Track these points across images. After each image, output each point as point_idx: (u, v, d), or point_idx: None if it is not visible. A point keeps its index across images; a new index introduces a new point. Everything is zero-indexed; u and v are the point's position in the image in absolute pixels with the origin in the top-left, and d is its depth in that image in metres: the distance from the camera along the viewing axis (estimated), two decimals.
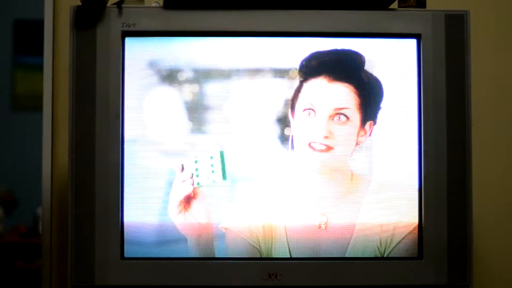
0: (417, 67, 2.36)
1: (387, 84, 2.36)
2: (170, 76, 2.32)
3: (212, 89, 2.33)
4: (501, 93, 2.99)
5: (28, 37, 2.94)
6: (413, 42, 2.36)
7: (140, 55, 2.32)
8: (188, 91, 2.33)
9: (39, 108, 2.87)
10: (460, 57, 2.36)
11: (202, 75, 2.33)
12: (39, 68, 2.89)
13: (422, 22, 2.36)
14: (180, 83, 2.33)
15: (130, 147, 2.31)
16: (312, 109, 2.33)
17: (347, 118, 2.34)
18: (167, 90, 2.33)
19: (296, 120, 2.33)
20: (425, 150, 2.34)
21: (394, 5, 2.43)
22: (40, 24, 2.87)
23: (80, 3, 2.30)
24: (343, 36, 2.35)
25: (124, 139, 2.31)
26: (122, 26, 2.30)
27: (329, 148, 2.33)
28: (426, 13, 2.37)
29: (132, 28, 2.31)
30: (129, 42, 2.32)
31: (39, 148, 2.84)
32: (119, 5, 2.32)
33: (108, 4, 2.32)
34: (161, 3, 2.40)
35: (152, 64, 2.33)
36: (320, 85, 2.33)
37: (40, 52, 2.87)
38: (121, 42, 2.30)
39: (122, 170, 2.29)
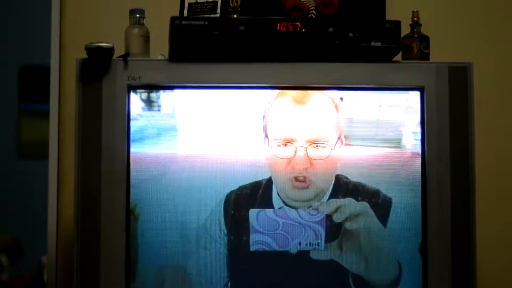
0: (420, 118, 2.37)
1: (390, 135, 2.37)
2: (174, 127, 2.34)
3: (212, 137, 2.35)
4: (506, 145, 3.01)
5: (34, 83, 2.95)
6: (416, 94, 2.37)
7: (145, 107, 2.33)
8: (190, 140, 2.34)
9: (45, 155, 2.88)
10: (464, 108, 2.37)
11: (204, 124, 2.34)
12: (45, 115, 2.90)
13: (426, 74, 2.37)
14: (183, 132, 2.34)
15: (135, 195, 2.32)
16: None
17: None
18: (172, 142, 2.34)
19: None
20: (429, 202, 2.34)
21: (398, 56, 2.44)
22: (46, 70, 2.89)
23: (86, 55, 2.31)
24: (347, 89, 2.37)
25: (130, 193, 2.31)
26: (128, 79, 2.32)
27: None
28: (429, 65, 2.39)
29: (137, 82, 2.32)
30: (135, 94, 2.33)
31: (45, 196, 2.84)
32: (124, 58, 2.33)
33: (114, 57, 2.33)
34: (167, 56, 2.43)
35: (156, 115, 2.34)
36: None
37: (46, 98, 2.89)
38: (126, 95, 2.32)
39: (127, 223, 2.30)
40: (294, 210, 2.33)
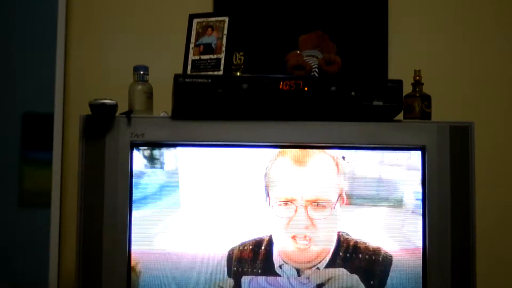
0: (421, 177, 2.38)
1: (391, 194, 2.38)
2: (177, 184, 2.34)
3: (215, 195, 2.35)
4: (506, 211, 3.02)
5: (37, 131, 2.96)
6: (418, 154, 2.38)
7: (148, 163, 2.34)
8: (193, 198, 2.34)
9: (47, 204, 2.88)
10: (465, 168, 2.37)
11: (207, 182, 2.35)
12: (48, 163, 2.91)
13: (427, 133, 2.38)
14: (185, 190, 2.35)
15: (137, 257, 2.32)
16: None
17: None
18: (174, 199, 2.35)
19: None
20: (430, 263, 2.34)
21: (400, 115, 2.45)
22: (49, 118, 2.90)
23: (89, 108, 2.33)
24: (349, 148, 2.38)
25: (132, 250, 2.32)
26: (131, 136, 2.33)
27: None
28: (431, 124, 2.40)
29: (140, 139, 2.33)
30: (137, 150, 2.34)
31: (47, 245, 2.85)
32: (128, 115, 2.34)
33: (117, 113, 2.35)
34: (169, 113, 2.44)
35: (158, 172, 2.35)
36: None
37: (48, 147, 2.90)
38: (129, 151, 2.33)
39: (128, 280, 2.30)
40: (285, 278, 2.33)
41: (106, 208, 2.31)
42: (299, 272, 2.34)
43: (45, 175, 2.91)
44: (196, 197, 2.35)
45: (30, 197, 2.96)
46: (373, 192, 2.37)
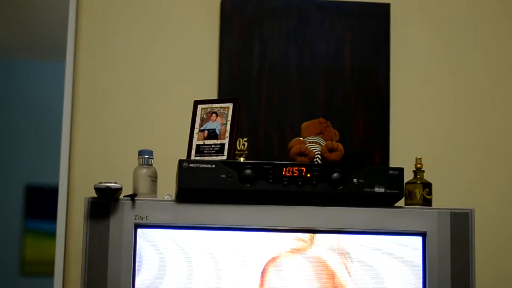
0: (422, 263, 2.40)
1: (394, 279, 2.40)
2: (181, 267, 2.36)
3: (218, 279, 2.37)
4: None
5: (40, 202, 2.98)
6: (419, 239, 2.40)
7: (152, 246, 2.37)
8: (196, 281, 2.36)
9: (48, 274, 2.89)
10: (465, 254, 2.40)
11: (210, 266, 2.37)
12: (50, 234, 2.92)
13: (428, 219, 2.41)
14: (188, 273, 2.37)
15: None
16: None
17: None
18: (177, 280, 2.36)
19: None
20: None
21: (401, 201, 2.48)
22: (52, 190, 2.92)
23: (93, 190, 2.36)
24: (350, 232, 2.40)
25: None
26: (135, 219, 2.36)
27: None
28: (431, 211, 2.43)
29: (144, 221, 2.36)
30: (141, 232, 2.37)
31: None
32: (132, 198, 2.38)
33: (122, 195, 2.38)
34: (173, 196, 2.47)
35: (162, 255, 2.37)
36: None
37: (51, 217, 2.92)
38: (133, 234, 2.35)
39: None
40: None
41: (109, 286, 2.32)
42: None
43: (47, 245, 2.93)
44: (200, 280, 2.37)
45: (32, 267, 2.98)
46: (375, 277, 2.39)
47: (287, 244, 2.39)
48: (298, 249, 2.38)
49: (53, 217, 2.93)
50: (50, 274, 2.90)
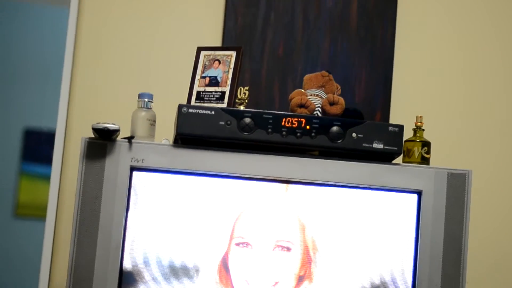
0: (415, 221, 2.39)
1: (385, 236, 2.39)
2: (173, 213, 2.36)
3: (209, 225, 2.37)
4: (498, 252, 3.02)
5: (38, 146, 2.98)
6: (414, 197, 2.40)
7: (146, 189, 2.36)
8: (187, 226, 2.36)
9: (41, 217, 2.90)
10: (460, 215, 2.39)
11: (203, 211, 2.37)
12: (46, 177, 2.92)
13: (425, 178, 2.40)
14: (180, 218, 2.36)
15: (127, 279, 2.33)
16: None
17: None
18: (169, 226, 2.36)
19: None
20: None
21: (399, 159, 2.47)
22: (51, 134, 2.92)
23: (91, 132, 2.35)
24: (346, 186, 2.39)
25: (123, 271, 2.33)
26: (131, 161, 2.35)
27: None
28: (429, 170, 2.42)
29: (140, 164, 2.35)
30: (136, 175, 2.36)
31: (39, 258, 2.86)
32: (129, 139, 2.36)
33: (119, 137, 2.37)
34: (171, 141, 2.46)
35: (156, 198, 2.36)
36: None
37: (48, 161, 2.91)
38: (128, 176, 2.34)
39: None
40: None
41: (101, 230, 2.32)
42: None
43: (42, 189, 2.93)
44: (190, 225, 2.36)
45: (25, 210, 2.98)
46: (366, 234, 2.39)
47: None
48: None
49: (50, 161, 2.92)
50: (43, 217, 2.90)
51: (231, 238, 2.35)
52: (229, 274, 2.35)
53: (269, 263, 2.35)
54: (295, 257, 2.35)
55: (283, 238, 2.35)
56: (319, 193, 2.39)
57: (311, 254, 2.36)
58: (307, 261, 2.35)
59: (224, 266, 2.35)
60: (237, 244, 2.36)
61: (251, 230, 2.35)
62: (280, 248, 2.35)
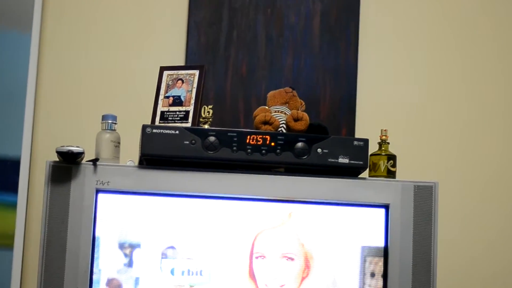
0: (384, 235, 2.39)
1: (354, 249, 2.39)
2: (140, 233, 2.35)
3: (183, 246, 2.36)
4: (467, 261, 3.04)
5: (3, 174, 2.95)
6: (381, 211, 2.40)
7: (112, 212, 2.34)
8: (154, 248, 2.34)
9: (9, 246, 2.87)
10: (428, 227, 2.39)
11: (172, 234, 2.35)
12: (12, 206, 2.90)
13: (392, 192, 2.40)
14: (147, 239, 2.35)
15: None
16: None
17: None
18: (137, 246, 2.35)
19: None
20: None
21: (365, 173, 2.48)
22: (16, 162, 2.90)
23: (56, 156, 2.33)
24: (312, 202, 2.39)
25: None
26: (96, 184, 2.33)
27: None
28: (395, 183, 2.42)
29: (106, 186, 2.33)
30: (102, 198, 2.34)
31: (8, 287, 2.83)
32: (94, 162, 2.35)
33: (84, 160, 2.35)
34: (136, 162, 2.45)
35: (122, 220, 2.35)
36: None
37: (14, 190, 2.89)
38: (94, 198, 2.33)
39: None
40: None
41: (69, 254, 2.30)
42: None
43: (8, 217, 2.90)
44: (157, 247, 2.35)
45: None
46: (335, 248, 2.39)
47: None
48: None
49: (15, 189, 2.90)
50: (11, 246, 2.87)
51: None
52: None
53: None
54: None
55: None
56: (286, 210, 2.38)
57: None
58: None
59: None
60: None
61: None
62: (261, 257, 2.37)
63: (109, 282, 2.33)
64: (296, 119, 2.46)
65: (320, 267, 2.38)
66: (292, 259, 2.37)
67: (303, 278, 2.37)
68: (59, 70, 2.98)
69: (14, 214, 2.89)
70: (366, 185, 2.41)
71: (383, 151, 2.53)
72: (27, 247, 2.88)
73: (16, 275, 2.86)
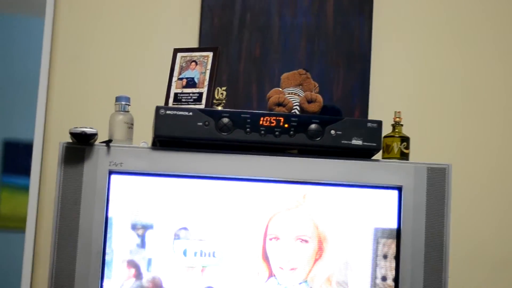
0: (397, 217, 2.39)
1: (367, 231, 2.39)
2: (153, 215, 2.35)
3: (195, 227, 2.36)
4: (479, 245, 3.03)
5: (17, 157, 2.96)
6: (394, 193, 2.39)
7: (125, 193, 2.34)
8: (168, 228, 2.35)
9: (22, 229, 2.88)
10: (440, 209, 2.39)
11: (185, 216, 2.35)
12: (25, 189, 2.91)
13: (405, 174, 2.40)
14: (161, 221, 2.35)
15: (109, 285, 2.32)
16: None
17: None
18: (149, 228, 2.35)
19: None
20: None
21: (378, 155, 2.47)
22: (29, 145, 2.91)
23: (69, 137, 2.33)
24: (325, 184, 2.39)
25: (104, 276, 2.31)
26: (110, 165, 2.34)
27: None
28: (408, 165, 2.41)
29: (119, 168, 2.34)
30: (115, 179, 2.34)
31: (20, 269, 2.84)
32: (107, 144, 2.35)
33: (97, 141, 2.35)
34: (150, 143, 2.45)
35: (136, 202, 2.35)
36: None
37: (27, 173, 2.90)
38: (107, 180, 2.33)
39: None
40: None
41: (81, 235, 2.30)
42: None
43: (22, 200, 2.91)
44: (171, 227, 2.35)
45: (6, 222, 2.96)
46: (349, 231, 2.38)
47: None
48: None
49: (29, 172, 2.91)
50: (23, 229, 2.88)
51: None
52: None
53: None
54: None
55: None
56: (300, 191, 2.38)
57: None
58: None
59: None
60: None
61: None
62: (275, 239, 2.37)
63: (122, 262, 2.33)
64: (310, 101, 2.45)
65: (333, 249, 2.37)
66: (306, 241, 2.37)
67: (316, 260, 2.37)
68: (72, 52, 2.98)
69: (27, 197, 2.90)
70: (379, 167, 2.40)
71: (396, 133, 2.52)
72: (39, 230, 2.89)
73: (28, 258, 2.87)
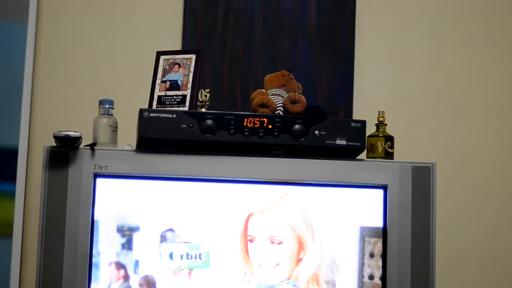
0: (383, 216, 2.40)
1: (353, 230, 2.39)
2: (138, 217, 2.35)
3: (181, 229, 2.36)
4: (467, 243, 3.04)
5: (2, 164, 2.95)
6: (380, 192, 2.40)
7: (111, 196, 2.34)
8: (153, 231, 2.35)
9: (9, 235, 2.87)
10: (426, 207, 2.40)
11: (170, 217, 2.35)
12: (11, 195, 2.90)
13: (390, 173, 2.40)
14: (146, 223, 2.35)
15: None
16: None
17: None
18: (135, 230, 2.35)
19: None
20: None
21: (363, 154, 2.48)
22: (14, 150, 2.90)
23: (54, 143, 2.33)
24: (310, 185, 2.39)
25: (92, 278, 2.31)
26: (94, 168, 2.34)
27: None
28: (393, 164, 2.42)
29: (104, 171, 2.34)
30: (100, 182, 2.34)
31: (7, 275, 2.83)
32: (92, 147, 2.35)
33: (82, 145, 2.35)
34: (134, 146, 2.45)
35: (121, 204, 2.35)
36: None
37: (12, 179, 2.89)
38: (92, 183, 2.33)
39: None
40: None
41: (68, 239, 2.30)
42: None
43: (8, 206, 2.91)
44: (156, 230, 2.36)
45: None
46: (334, 230, 2.39)
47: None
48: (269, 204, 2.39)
49: (14, 178, 2.90)
50: (10, 234, 2.88)
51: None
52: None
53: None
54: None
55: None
56: (283, 192, 2.39)
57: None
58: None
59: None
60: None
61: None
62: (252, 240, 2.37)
63: (109, 265, 2.33)
64: (293, 102, 2.46)
65: (319, 248, 2.38)
66: (280, 242, 2.37)
67: (299, 260, 2.37)
68: (55, 56, 2.98)
69: (13, 203, 2.89)
70: (364, 166, 2.41)
71: (380, 133, 2.53)
72: (26, 235, 2.89)
73: (15, 263, 2.87)
